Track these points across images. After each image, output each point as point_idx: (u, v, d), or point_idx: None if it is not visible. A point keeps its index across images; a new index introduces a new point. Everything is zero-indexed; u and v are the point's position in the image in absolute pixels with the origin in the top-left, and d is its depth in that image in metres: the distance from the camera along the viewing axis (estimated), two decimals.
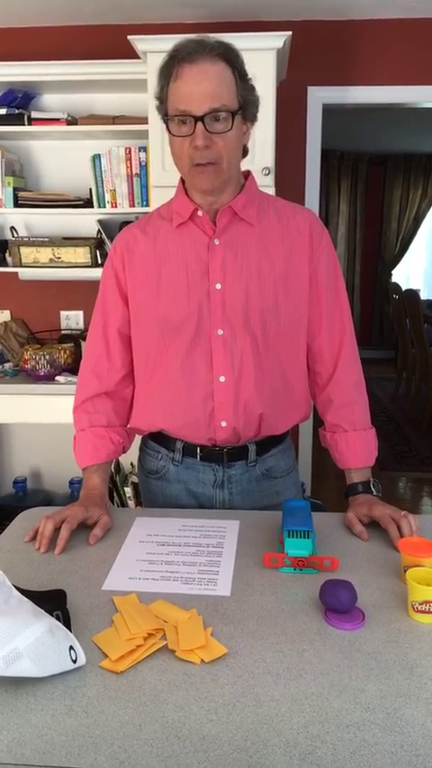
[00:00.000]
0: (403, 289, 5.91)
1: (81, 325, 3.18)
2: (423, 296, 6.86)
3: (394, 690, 0.81)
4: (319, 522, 1.21)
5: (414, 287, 6.67)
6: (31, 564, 1.14)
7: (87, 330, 1.45)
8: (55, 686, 0.82)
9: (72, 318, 3.20)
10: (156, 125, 2.37)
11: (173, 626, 0.93)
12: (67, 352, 2.91)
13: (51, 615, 0.88)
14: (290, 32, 2.39)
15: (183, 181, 1.32)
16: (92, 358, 1.41)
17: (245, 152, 1.29)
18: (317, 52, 2.92)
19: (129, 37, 2.40)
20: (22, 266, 2.89)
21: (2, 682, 0.81)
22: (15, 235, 2.97)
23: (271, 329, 1.30)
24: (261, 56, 2.35)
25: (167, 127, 1.20)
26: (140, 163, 2.74)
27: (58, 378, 2.82)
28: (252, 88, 1.23)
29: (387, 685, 0.82)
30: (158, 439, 1.43)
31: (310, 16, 2.86)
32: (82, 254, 2.84)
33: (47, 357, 2.82)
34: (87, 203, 2.84)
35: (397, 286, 6.44)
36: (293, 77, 2.86)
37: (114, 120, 2.75)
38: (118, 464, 2.96)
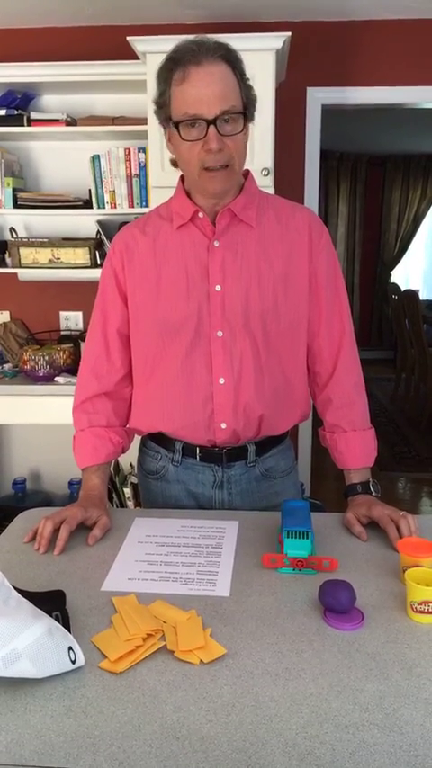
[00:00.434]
0: (402, 289, 5.91)
1: (80, 326, 3.19)
2: (422, 296, 6.86)
3: (393, 690, 0.81)
4: (318, 522, 1.21)
5: (413, 287, 6.66)
6: (31, 565, 1.14)
7: (87, 331, 1.45)
8: (54, 687, 0.82)
9: (71, 319, 3.21)
10: (155, 126, 2.36)
11: (172, 626, 0.93)
12: (67, 352, 2.91)
13: (50, 616, 0.88)
14: (289, 33, 2.40)
15: (182, 181, 1.32)
16: (91, 358, 1.41)
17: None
18: (316, 53, 2.92)
19: (128, 38, 2.41)
20: (21, 267, 2.89)
21: (1, 682, 0.81)
22: (15, 235, 2.97)
23: (271, 330, 1.30)
24: (260, 56, 2.36)
25: (178, 133, 1.17)
26: (140, 163, 2.74)
27: (57, 378, 2.82)
28: (251, 87, 1.23)
29: (386, 686, 0.82)
30: (158, 439, 1.43)
31: (310, 17, 2.87)
32: (81, 255, 2.85)
33: (46, 358, 2.82)
34: (87, 204, 2.85)
35: (396, 286, 6.44)
36: (293, 78, 2.86)
37: (114, 120, 2.75)
38: (117, 465, 2.96)
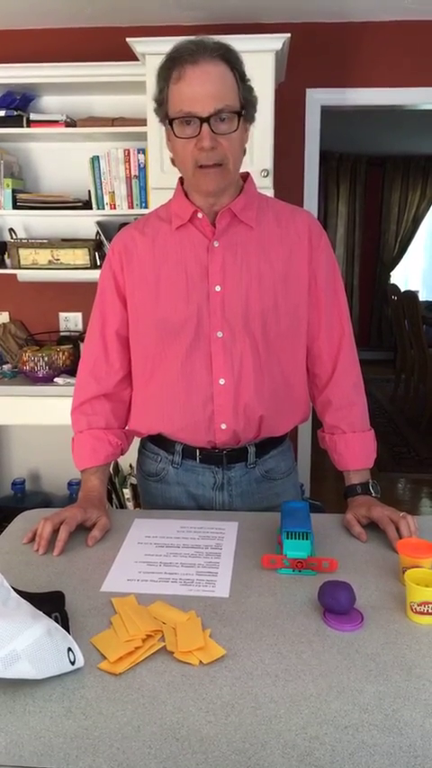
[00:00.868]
0: (402, 290, 5.91)
1: (80, 327, 3.19)
2: (422, 297, 6.86)
3: (393, 691, 0.81)
4: (317, 523, 1.21)
5: (413, 288, 6.67)
6: (30, 565, 1.14)
7: (86, 332, 1.45)
8: (53, 688, 0.82)
9: (71, 320, 3.21)
10: (154, 127, 2.37)
11: (171, 627, 0.93)
12: (66, 353, 2.91)
13: (50, 617, 0.88)
14: (288, 34, 2.40)
15: (181, 182, 1.32)
16: (90, 360, 1.41)
17: (243, 153, 1.29)
18: (315, 54, 2.92)
19: (127, 39, 2.41)
20: (20, 268, 2.89)
21: (0, 683, 0.81)
22: (14, 236, 2.97)
23: (271, 331, 1.30)
24: (260, 58, 2.36)
25: (172, 130, 1.19)
26: (139, 164, 2.74)
27: (56, 379, 2.82)
28: (251, 89, 1.23)
29: (385, 686, 0.82)
30: (157, 441, 1.43)
31: (309, 18, 2.87)
32: (81, 256, 2.85)
33: (45, 359, 2.82)
34: (86, 205, 2.85)
35: (396, 287, 6.43)
36: (292, 79, 2.86)
37: (113, 122, 2.75)
38: (117, 465, 2.96)
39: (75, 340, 3.04)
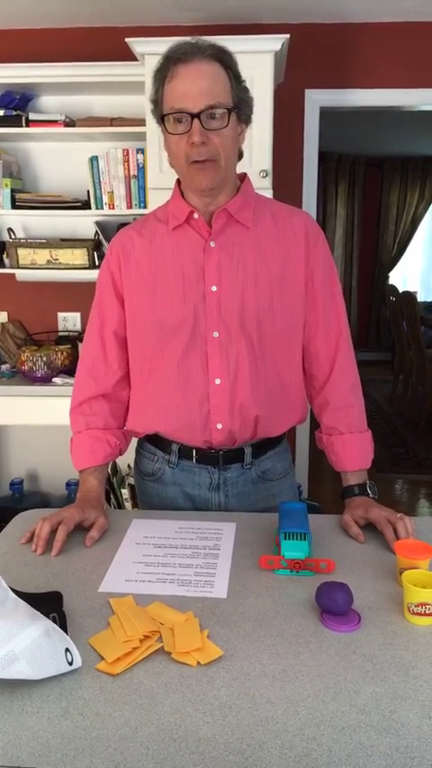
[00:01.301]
0: (400, 291, 5.92)
1: (78, 327, 3.18)
2: (420, 298, 6.88)
3: (390, 692, 0.81)
4: (315, 524, 1.21)
5: (411, 289, 6.67)
6: (28, 566, 1.14)
7: (84, 332, 1.45)
8: (51, 688, 0.82)
9: (69, 320, 3.20)
10: (153, 127, 2.36)
11: (169, 628, 0.93)
12: (65, 353, 2.91)
13: (47, 617, 0.88)
14: (287, 35, 2.40)
15: (179, 183, 1.33)
16: (88, 360, 1.41)
17: (239, 155, 1.29)
18: (314, 55, 2.92)
19: (127, 39, 2.41)
20: (19, 267, 2.89)
21: None
22: (13, 236, 2.97)
23: (267, 331, 1.31)
24: (259, 58, 2.36)
25: (165, 127, 1.21)
26: (138, 165, 2.74)
27: (55, 379, 2.81)
28: (246, 90, 1.23)
29: (383, 687, 0.82)
30: (154, 441, 1.43)
31: (308, 19, 2.87)
32: (79, 256, 2.85)
33: (44, 359, 2.81)
34: (85, 205, 2.85)
35: (394, 288, 6.45)
36: (291, 80, 2.87)
37: (112, 121, 2.75)
38: (115, 466, 2.96)
39: (73, 340, 3.04)
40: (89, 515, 1.26)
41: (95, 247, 2.87)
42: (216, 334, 1.29)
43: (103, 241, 2.84)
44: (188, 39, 1.19)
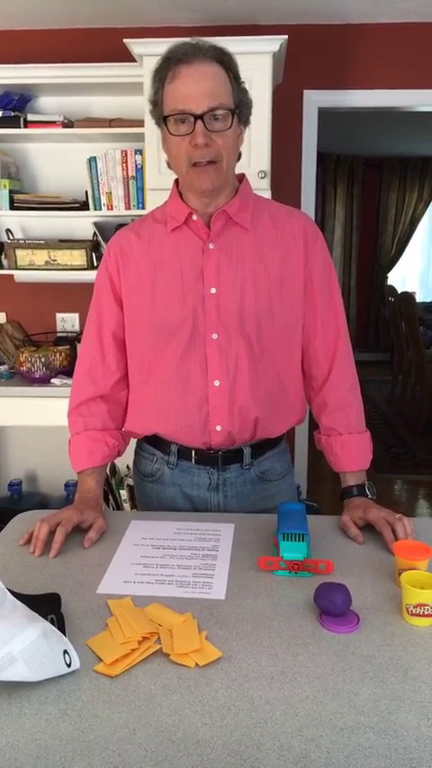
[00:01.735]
0: (399, 291, 5.92)
1: (77, 328, 3.18)
2: (419, 299, 6.87)
3: (388, 693, 0.81)
4: (314, 524, 1.21)
5: (410, 290, 6.68)
6: (26, 567, 1.13)
7: (83, 333, 1.45)
8: (49, 690, 0.82)
9: (68, 321, 3.20)
10: (152, 128, 2.36)
11: (167, 629, 0.93)
12: (63, 354, 2.91)
13: (46, 619, 0.88)
14: (286, 36, 2.40)
15: (177, 184, 1.32)
16: (86, 361, 1.41)
17: (238, 155, 1.29)
18: (313, 56, 2.93)
19: (125, 40, 2.41)
20: (17, 268, 2.89)
21: None
22: (11, 237, 2.97)
23: (266, 333, 1.31)
24: (257, 59, 2.36)
25: (167, 128, 1.20)
26: (136, 165, 2.74)
27: (53, 380, 2.81)
28: (246, 91, 1.24)
29: (381, 689, 0.82)
30: (153, 442, 1.43)
31: (307, 20, 2.87)
32: (78, 257, 2.85)
33: (42, 359, 2.81)
34: (83, 206, 2.85)
35: (393, 289, 6.45)
36: (289, 81, 2.87)
37: (110, 122, 2.75)
38: (114, 467, 2.95)
39: (72, 341, 3.04)
40: (87, 517, 1.26)
41: (94, 248, 2.87)
42: (215, 336, 1.29)
43: (102, 242, 2.84)
44: (188, 39, 1.19)
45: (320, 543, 1.20)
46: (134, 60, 2.51)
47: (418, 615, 0.95)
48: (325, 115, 3.06)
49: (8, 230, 2.98)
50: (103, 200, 2.80)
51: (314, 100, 3.00)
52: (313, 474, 3.41)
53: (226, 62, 1.19)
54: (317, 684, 0.83)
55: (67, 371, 2.83)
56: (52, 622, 0.89)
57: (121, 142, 2.82)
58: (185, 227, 1.30)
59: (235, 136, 1.22)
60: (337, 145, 6.34)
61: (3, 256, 2.92)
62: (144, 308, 1.32)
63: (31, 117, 2.78)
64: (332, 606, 0.95)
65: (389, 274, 7.52)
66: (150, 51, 2.35)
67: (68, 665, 0.84)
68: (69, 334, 3.14)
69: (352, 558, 1.15)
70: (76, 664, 0.85)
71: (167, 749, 0.73)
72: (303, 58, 2.89)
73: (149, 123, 2.40)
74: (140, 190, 2.76)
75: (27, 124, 2.77)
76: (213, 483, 1.39)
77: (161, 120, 1.22)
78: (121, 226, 2.53)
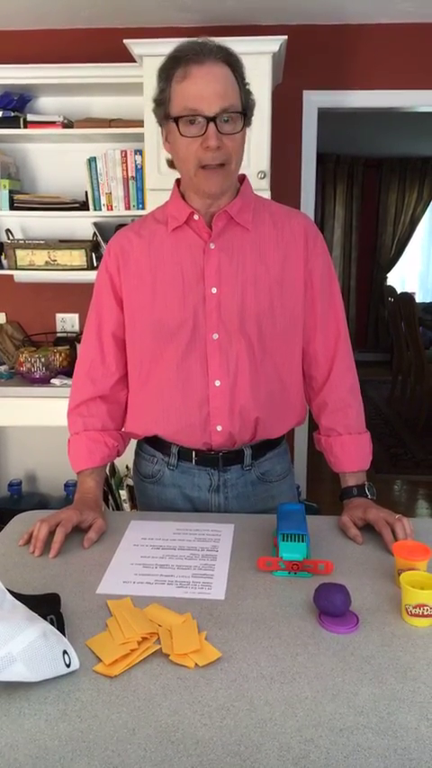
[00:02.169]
0: (398, 292, 5.92)
1: (76, 328, 3.18)
2: (418, 299, 6.87)
3: (388, 694, 0.81)
4: (313, 525, 1.21)
5: (409, 290, 6.68)
6: (26, 567, 1.13)
7: (83, 333, 1.44)
8: (48, 691, 0.82)
9: (68, 321, 3.20)
10: (152, 128, 2.37)
11: (167, 630, 0.93)
12: (63, 354, 2.91)
13: (45, 619, 0.88)
14: (285, 36, 2.40)
15: (178, 184, 1.32)
16: (86, 361, 1.40)
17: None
18: (312, 56, 2.93)
19: (125, 41, 2.41)
20: (17, 269, 2.89)
21: None
22: (11, 237, 2.97)
23: (266, 333, 1.31)
24: (257, 60, 2.36)
25: (177, 128, 1.18)
26: (136, 166, 2.74)
27: (53, 380, 2.81)
28: (250, 92, 1.24)
29: (381, 689, 0.82)
30: (154, 443, 1.43)
31: (306, 20, 2.87)
32: (78, 257, 2.85)
33: (42, 360, 2.81)
34: (83, 206, 2.85)
35: (392, 289, 6.45)
36: (289, 81, 2.87)
37: (110, 123, 2.75)
38: (113, 467, 2.95)
39: (71, 341, 3.04)
40: (87, 517, 1.25)
41: (93, 248, 2.87)
42: (215, 336, 1.29)
43: (102, 242, 2.84)
44: (195, 39, 1.18)
45: (320, 543, 1.20)
46: (134, 60, 2.52)
47: (418, 615, 0.95)
48: (325, 115, 3.06)
49: (8, 230, 2.98)
50: (103, 200, 2.80)
51: (314, 100, 3.00)
52: (313, 474, 3.41)
53: (233, 63, 1.19)
54: (316, 685, 0.83)
55: (67, 372, 2.83)
56: (52, 623, 0.89)
57: (121, 142, 2.82)
58: (186, 227, 1.30)
59: (242, 138, 1.22)
60: (336, 145, 6.34)
61: (3, 256, 2.92)
62: (144, 308, 1.32)
63: (30, 117, 2.78)
64: (331, 607, 0.95)
65: (388, 275, 7.52)
66: (150, 52, 2.36)
67: (68, 666, 0.84)
68: (69, 335, 3.14)
69: (351, 559, 1.15)
70: (75, 664, 0.85)
71: (167, 749, 0.73)
72: (303, 58, 2.89)
73: (149, 123, 2.41)
74: (140, 190, 2.76)
75: (27, 124, 2.77)
76: (214, 484, 1.39)
77: (166, 118, 1.21)
78: (120, 226, 2.53)
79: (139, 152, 2.71)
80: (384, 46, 2.93)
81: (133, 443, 1.51)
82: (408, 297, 5.40)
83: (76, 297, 3.11)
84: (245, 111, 1.20)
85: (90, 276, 2.74)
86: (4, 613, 0.86)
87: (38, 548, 1.17)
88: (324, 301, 1.36)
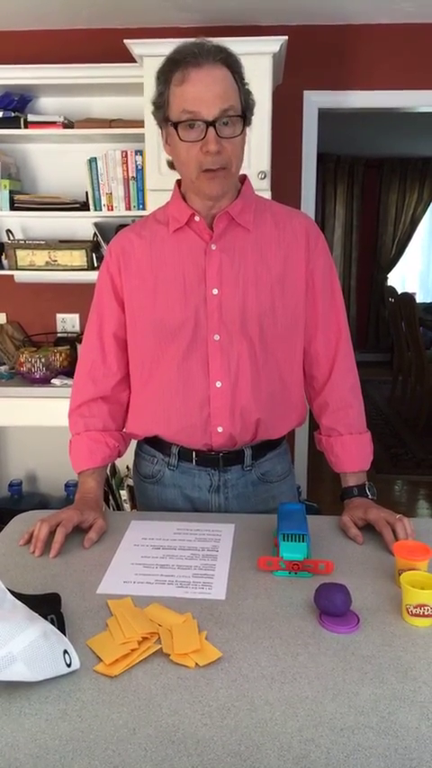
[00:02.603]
0: (399, 292, 5.92)
1: (77, 328, 3.18)
2: (418, 299, 6.87)
3: (388, 693, 0.81)
4: (314, 525, 1.21)
5: (410, 290, 6.67)
6: (26, 567, 1.13)
7: (83, 333, 1.44)
8: (49, 690, 0.82)
9: (68, 321, 3.20)
10: (152, 129, 2.37)
11: (167, 630, 0.93)
12: (63, 354, 2.91)
13: (46, 619, 0.88)
14: (286, 37, 2.40)
15: (178, 185, 1.32)
16: (87, 362, 1.40)
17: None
18: (313, 56, 2.93)
19: (125, 41, 2.41)
20: (18, 269, 2.89)
21: None
22: (11, 237, 2.97)
23: (268, 333, 1.31)
24: (257, 60, 2.36)
25: (176, 133, 1.18)
26: (137, 166, 2.74)
27: (53, 381, 2.81)
28: (250, 92, 1.23)
29: (381, 689, 0.82)
30: (154, 443, 1.43)
31: (307, 21, 2.87)
32: (78, 257, 2.85)
33: (43, 360, 2.81)
34: (84, 206, 2.85)
35: (393, 289, 6.45)
36: (289, 81, 2.87)
37: (111, 123, 2.75)
38: (114, 467, 2.95)
39: (72, 341, 3.04)
40: (88, 517, 1.26)
41: (94, 249, 2.87)
42: (217, 337, 1.29)
43: (102, 242, 2.84)
44: (193, 40, 1.17)
45: (320, 543, 1.20)
46: (134, 61, 2.52)
47: (418, 615, 0.95)
48: (325, 116, 3.06)
49: (8, 231, 2.98)
50: (104, 200, 2.80)
51: (314, 100, 3.00)
52: (313, 474, 3.41)
53: (232, 64, 1.18)
54: (317, 685, 0.83)
55: (68, 372, 2.83)
56: (52, 622, 0.89)
57: (122, 143, 2.82)
58: (187, 228, 1.30)
59: (242, 141, 1.21)
60: (337, 145, 6.34)
61: (3, 257, 2.92)
62: (145, 309, 1.32)
63: (31, 117, 2.78)
64: (332, 606, 0.95)
65: (389, 275, 7.52)
66: (150, 52, 2.35)
67: (68, 665, 0.84)
68: (69, 335, 3.14)
69: (352, 559, 1.15)
70: (76, 664, 0.85)
71: (167, 749, 0.73)
72: (303, 58, 2.89)
73: (150, 124, 2.41)
74: (141, 190, 2.76)
75: (27, 125, 2.77)
76: (214, 484, 1.39)
77: (165, 121, 1.21)
78: (121, 227, 2.53)
79: (140, 152, 2.71)
80: (385, 46, 2.93)
81: (133, 444, 1.51)
82: (408, 297, 5.40)
83: (77, 297, 3.11)
84: (244, 113, 1.20)
85: (90, 276, 2.74)
86: (5, 613, 0.86)
87: (38, 548, 1.17)
88: (325, 301, 1.36)
